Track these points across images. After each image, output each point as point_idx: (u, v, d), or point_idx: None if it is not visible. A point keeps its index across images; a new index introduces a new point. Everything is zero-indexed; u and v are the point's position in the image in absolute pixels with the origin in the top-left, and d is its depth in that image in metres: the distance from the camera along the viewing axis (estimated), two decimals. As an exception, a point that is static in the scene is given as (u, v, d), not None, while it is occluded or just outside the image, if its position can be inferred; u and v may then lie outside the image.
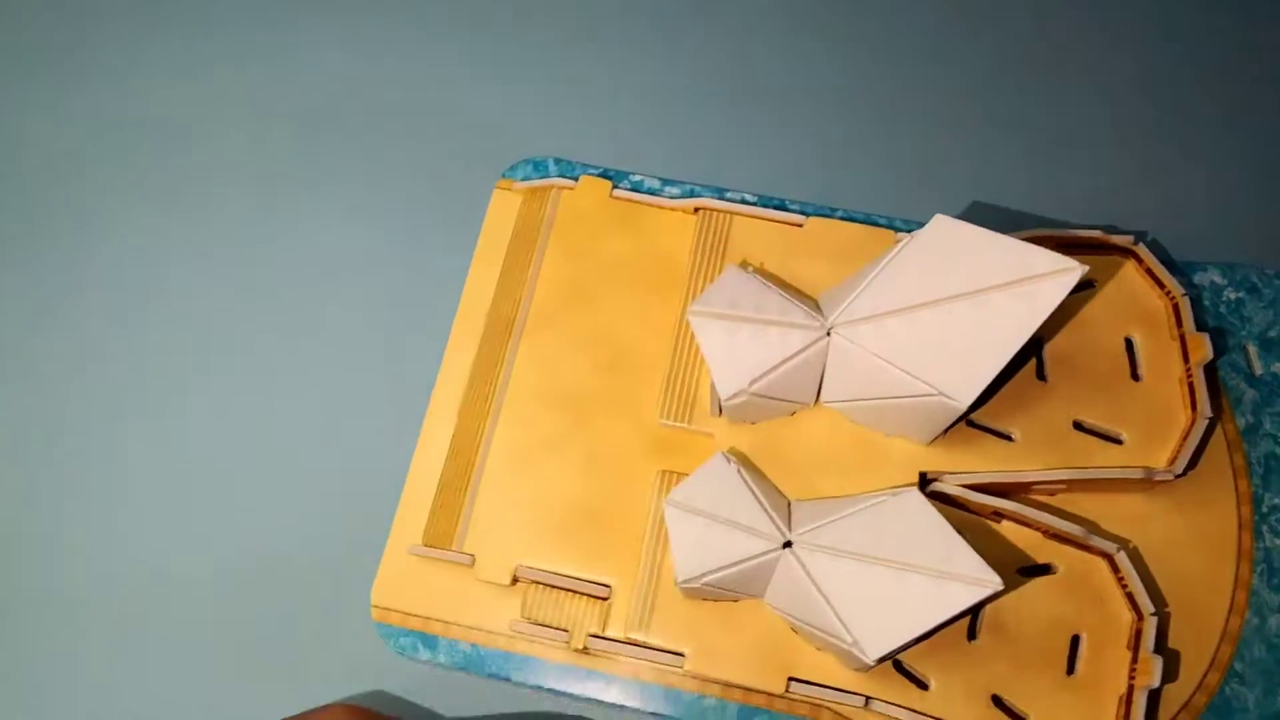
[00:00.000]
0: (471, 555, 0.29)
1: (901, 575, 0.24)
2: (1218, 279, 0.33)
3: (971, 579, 0.23)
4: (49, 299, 0.35)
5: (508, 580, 0.28)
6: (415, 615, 0.29)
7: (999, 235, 0.26)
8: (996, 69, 0.39)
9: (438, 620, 0.29)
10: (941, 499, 0.29)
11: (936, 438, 0.29)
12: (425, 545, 0.29)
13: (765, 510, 0.26)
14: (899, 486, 0.28)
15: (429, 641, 0.29)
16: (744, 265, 0.32)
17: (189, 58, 0.39)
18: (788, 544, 0.26)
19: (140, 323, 0.35)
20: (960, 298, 0.26)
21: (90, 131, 0.38)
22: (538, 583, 0.29)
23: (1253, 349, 0.32)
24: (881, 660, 0.24)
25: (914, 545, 0.24)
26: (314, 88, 0.39)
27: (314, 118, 0.38)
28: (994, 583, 0.23)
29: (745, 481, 0.27)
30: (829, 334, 0.27)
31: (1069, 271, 0.24)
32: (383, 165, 0.37)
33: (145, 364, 0.34)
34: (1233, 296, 0.33)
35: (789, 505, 0.28)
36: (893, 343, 0.27)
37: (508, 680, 0.28)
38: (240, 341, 0.34)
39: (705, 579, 0.26)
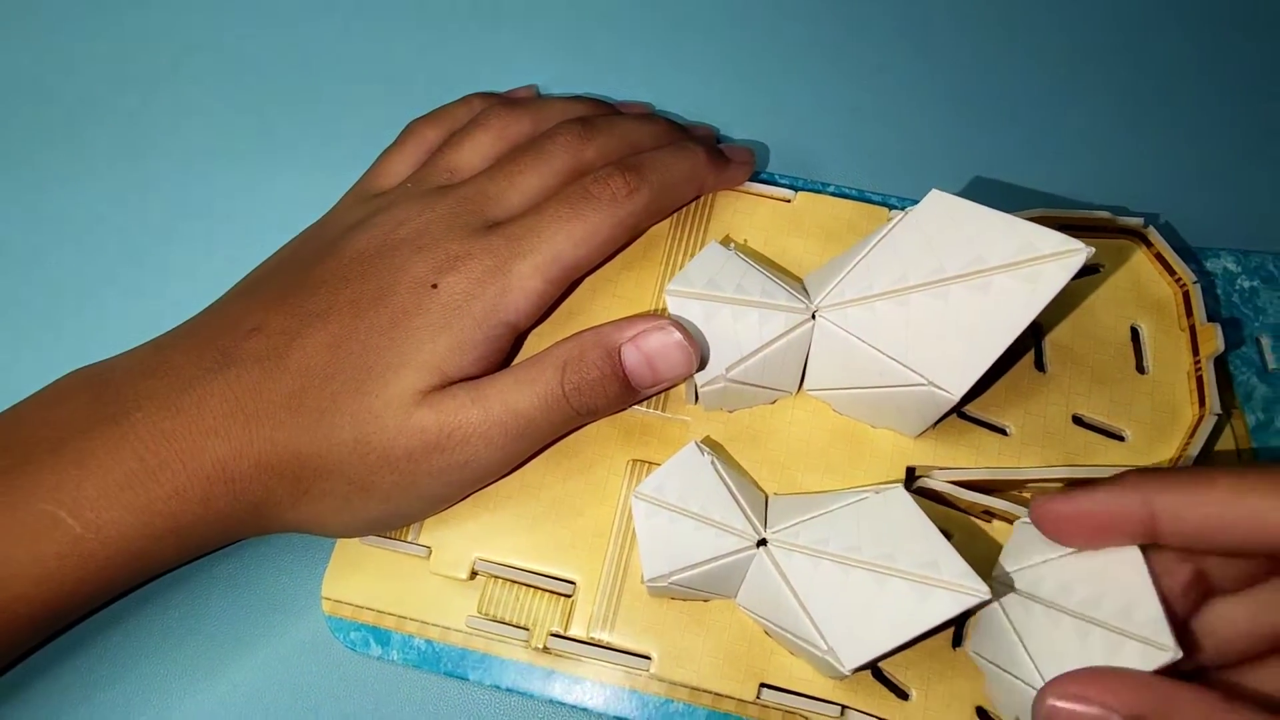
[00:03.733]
0: (428, 547, 0.27)
1: (882, 580, 0.22)
2: (1231, 266, 0.31)
3: (957, 586, 0.21)
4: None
5: (465, 574, 0.27)
6: (368, 609, 0.27)
7: (999, 213, 0.24)
8: (1001, 40, 0.37)
9: (391, 614, 0.27)
10: (929, 495, 0.27)
11: (926, 430, 0.27)
12: (379, 535, 0.27)
13: (739, 506, 0.24)
14: (884, 483, 0.26)
15: (381, 637, 0.27)
16: (726, 242, 0.30)
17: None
18: (762, 542, 0.24)
19: (110, 275, 0.33)
20: (957, 279, 0.24)
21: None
22: (497, 577, 0.27)
23: (1266, 341, 0.30)
24: (859, 670, 0.23)
25: (897, 548, 0.22)
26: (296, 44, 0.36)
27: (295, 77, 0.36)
28: (981, 591, 0.21)
29: (719, 474, 0.25)
30: (814, 317, 0.26)
31: (1075, 253, 0.22)
32: (338, 119, 0.35)
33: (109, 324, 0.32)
34: (1247, 285, 0.31)
35: (766, 500, 0.26)
36: (882, 327, 0.25)
37: (464, 679, 0.27)
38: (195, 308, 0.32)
39: (673, 578, 0.24)
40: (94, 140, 0.35)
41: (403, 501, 0.25)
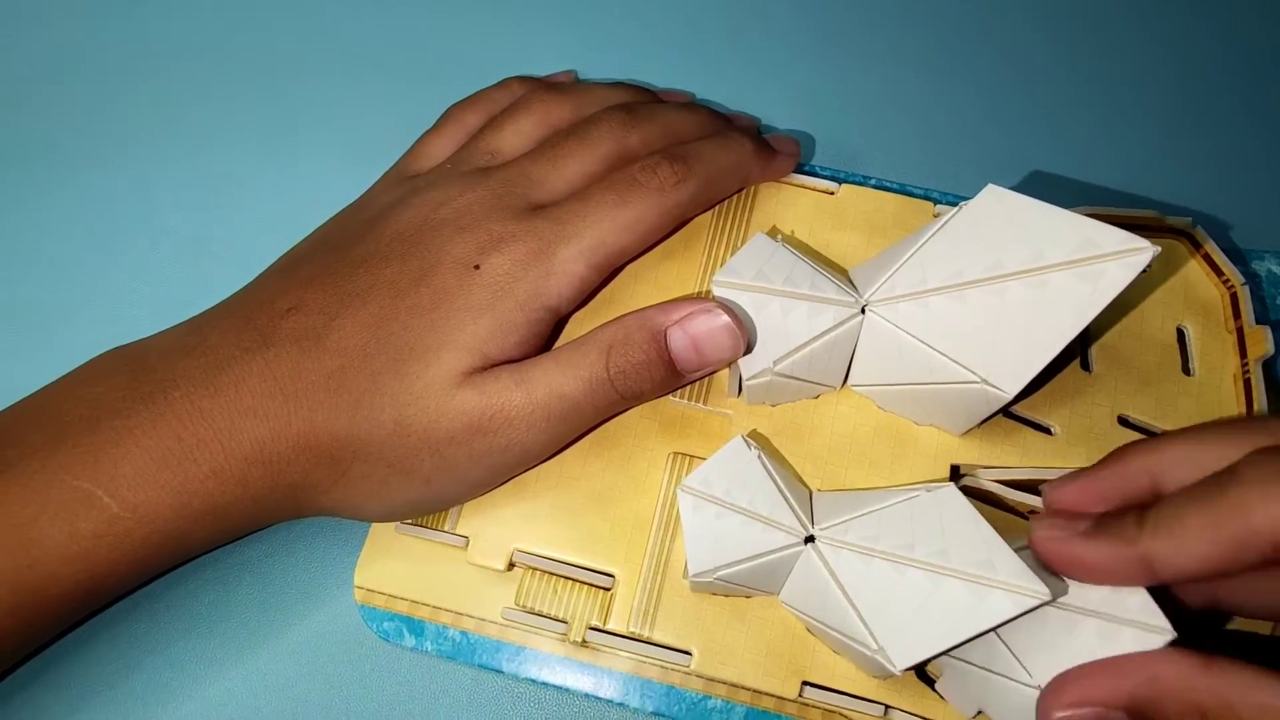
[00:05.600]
0: (465, 537, 0.27)
1: (937, 580, 0.22)
2: (1276, 268, 0.31)
3: (1015, 587, 0.21)
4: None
5: (503, 565, 0.26)
6: (401, 599, 0.27)
7: (1058, 209, 0.23)
8: (1048, 36, 0.36)
9: (425, 605, 0.27)
10: (973, 494, 0.27)
11: (971, 429, 0.27)
12: (415, 524, 0.27)
13: (787, 501, 0.24)
14: (930, 482, 0.26)
15: (415, 627, 0.26)
16: (773, 233, 0.29)
17: None
18: (810, 539, 0.24)
19: (143, 270, 0.32)
20: (1015, 275, 0.23)
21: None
22: (535, 569, 0.26)
23: (1310, 346, 0.30)
24: (909, 669, 0.22)
25: (951, 547, 0.22)
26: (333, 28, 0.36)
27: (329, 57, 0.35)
28: (1041, 593, 0.20)
29: (766, 469, 0.24)
30: (864, 311, 0.25)
31: (1139, 252, 0.22)
32: (372, 106, 0.35)
33: (134, 316, 0.31)
34: (1291, 288, 0.31)
35: (810, 496, 0.26)
36: (935, 323, 0.24)
37: (499, 671, 0.26)
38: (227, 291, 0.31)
39: (719, 573, 0.24)
40: (122, 126, 0.34)
41: (442, 485, 0.25)
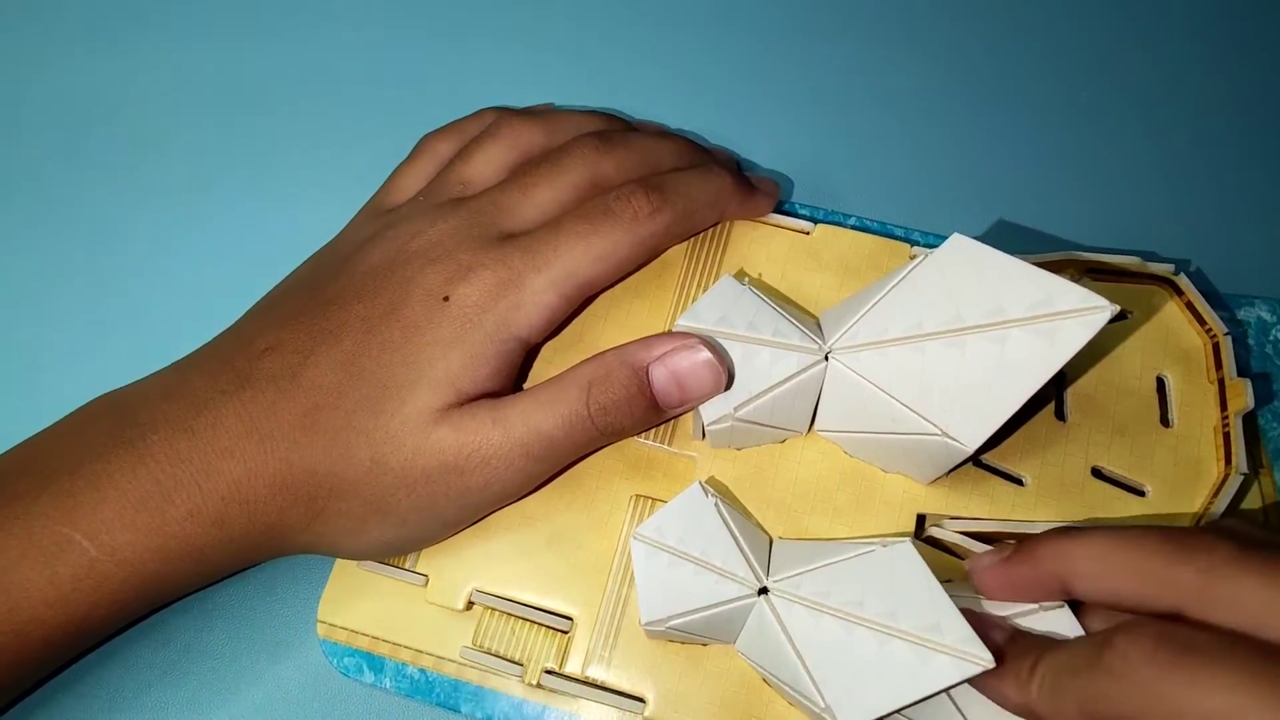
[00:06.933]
0: (425, 575, 0.27)
1: (884, 640, 0.21)
2: (1266, 315, 0.30)
3: (959, 653, 0.20)
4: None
5: (462, 605, 0.26)
6: (362, 634, 0.27)
7: (1022, 262, 0.23)
8: (1036, 79, 0.36)
9: (385, 641, 0.27)
10: (938, 545, 0.26)
11: (939, 478, 0.27)
12: (377, 560, 0.27)
13: (741, 551, 0.24)
14: (891, 536, 0.26)
15: (375, 663, 0.27)
16: (740, 276, 0.29)
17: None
18: (763, 590, 0.23)
19: (127, 314, 0.33)
20: (974, 330, 0.23)
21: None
22: (494, 609, 0.26)
23: (1299, 396, 0.29)
24: (857, 729, 0.22)
25: (901, 606, 0.22)
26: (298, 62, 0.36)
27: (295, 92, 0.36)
28: (985, 660, 0.20)
29: (722, 517, 0.24)
30: (827, 358, 0.25)
31: (1097, 311, 0.21)
32: (355, 138, 0.35)
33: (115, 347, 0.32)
34: (1281, 336, 0.30)
35: (771, 544, 0.26)
36: (896, 374, 0.24)
37: (456, 711, 0.26)
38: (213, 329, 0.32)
39: (671, 623, 0.23)
40: (102, 166, 0.35)
41: (419, 523, 0.25)
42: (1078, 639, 0.21)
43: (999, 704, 0.21)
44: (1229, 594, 0.18)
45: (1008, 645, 0.21)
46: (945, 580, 0.25)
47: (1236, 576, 0.18)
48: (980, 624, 0.21)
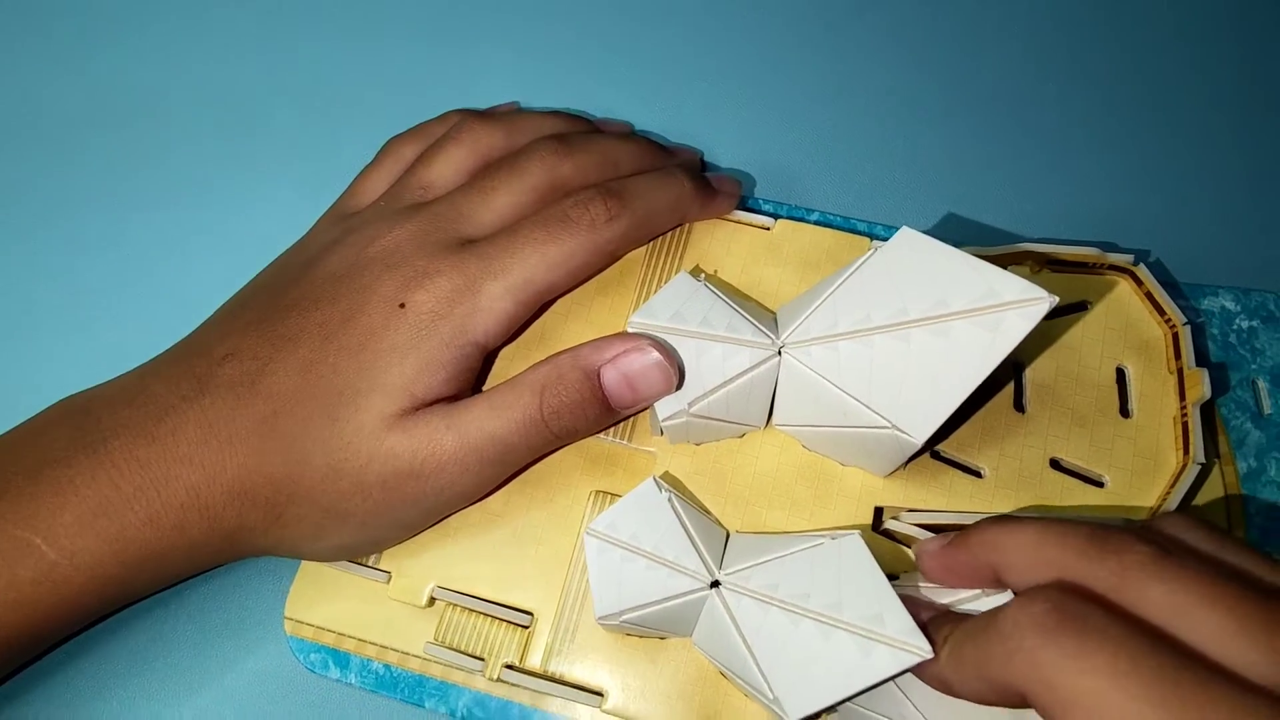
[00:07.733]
0: (388, 572, 0.27)
1: (828, 632, 0.21)
2: (1229, 305, 0.30)
3: (900, 644, 0.20)
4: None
5: (423, 602, 0.27)
6: (328, 630, 0.27)
7: (967, 256, 0.23)
8: (996, 68, 0.36)
9: (351, 637, 0.27)
10: (894, 537, 0.26)
11: (896, 470, 0.27)
12: (352, 560, 0.27)
13: (694, 545, 0.24)
14: (845, 527, 0.26)
15: (341, 659, 0.27)
16: (696, 272, 0.29)
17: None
18: (715, 584, 0.24)
19: (113, 317, 0.33)
20: (918, 323, 0.23)
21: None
22: (455, 605, 0.27)
23: (1263, 385, 0.29)
24: (806, 720, 0.22)
25: (846, 599, 0.22)
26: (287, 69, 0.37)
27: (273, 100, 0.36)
28: (923, 650, 0.20)
29: (675, 512, 0.24)
30: (780, 353, 0.25)
31: (1038, 302, 0.22)
32: (323, 141, 0.35)
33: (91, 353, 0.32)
34: (1245, 325, 0.30)
35: (727, 538, 0.26)
36: (846, 368, 0.24)
37: (420, 706, 0.27)
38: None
39: (624, 617, 0.24)
40: (77, 170, 0.35)
41: (377, 527, 0.25)
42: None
43: (920, 678, 0.21)
44: (1135, 597, 0.18)
45: (930, 622, 0.21)
46: (900, 573, 0.25)
47: (1146, 581, 0.18)
48: (911, 605, 0.21)
